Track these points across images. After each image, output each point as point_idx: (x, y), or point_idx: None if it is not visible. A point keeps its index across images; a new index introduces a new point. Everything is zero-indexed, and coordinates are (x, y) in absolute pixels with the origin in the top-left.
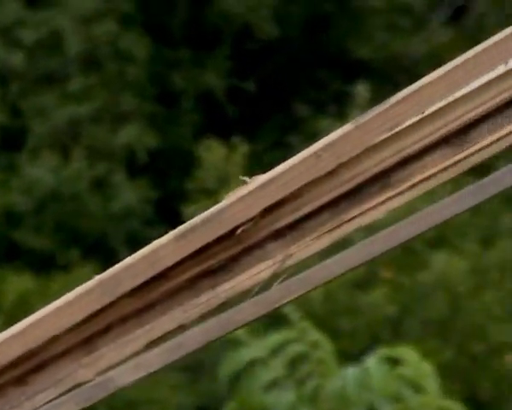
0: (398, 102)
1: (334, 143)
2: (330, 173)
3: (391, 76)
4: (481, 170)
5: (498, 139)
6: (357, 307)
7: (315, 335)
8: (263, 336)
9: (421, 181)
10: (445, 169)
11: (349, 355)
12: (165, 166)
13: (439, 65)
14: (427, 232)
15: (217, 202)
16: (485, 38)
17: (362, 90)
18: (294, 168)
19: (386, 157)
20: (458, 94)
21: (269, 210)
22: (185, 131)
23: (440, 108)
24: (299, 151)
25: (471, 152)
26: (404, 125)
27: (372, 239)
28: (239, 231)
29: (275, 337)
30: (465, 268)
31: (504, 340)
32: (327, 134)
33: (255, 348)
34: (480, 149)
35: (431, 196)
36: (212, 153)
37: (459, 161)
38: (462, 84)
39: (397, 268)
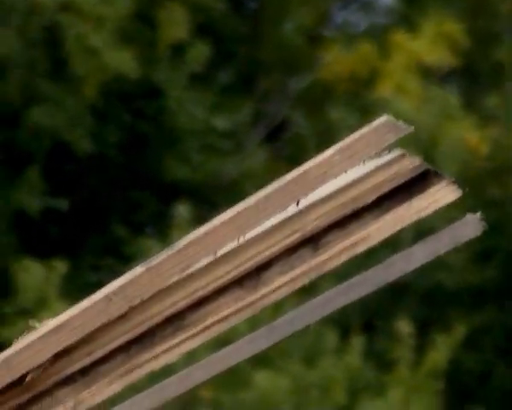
0: (189, 244)
1: (125, 286)
2: (122, 317)
3: (209, 196)
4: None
5: (290, 281)
6: None
7: None
8: None
9: (215, 323)
10: (239, 311)
11: None
12: None
13: (257, 185)
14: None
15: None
16: (301, 158)
17: (181, 210)
18: (86, 312)
19: (179, 299)
20: (250, 235)
21: (59, 355)
22: (0, 251)
23: (232, 250)
24: (118, 273)
25: (264, 293)
26: (196, 267)
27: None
28: (28, 378)
29: None
30: (288, 387)
31: None
32: (146, 255)
33: None
34: (272, 291)
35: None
36: (30, 274)
37: (253, 302)
38: (254, 225)
39: (217, 387)
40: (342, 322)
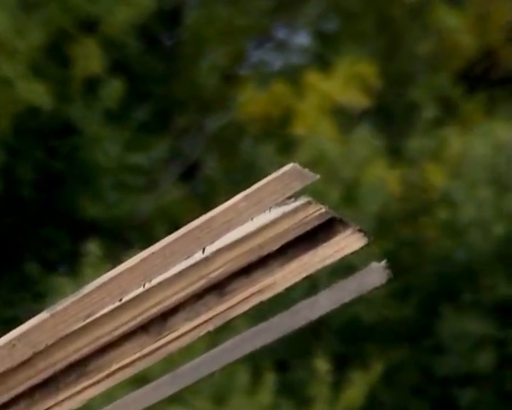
0: (94, 290)
1: (29, 331)
2: (25, 363)
3: (122, 234)
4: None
5: (196, 327)
6: None
7: None
8: None
9: (118, 369)
10: (144, 357)
11: None
12: None
13: (172, 222)
14: None
15: None
16: (214, 199)
17: (93, 248)
18: None
19: (83, 345)
20: (156, 281)
21: None
22: None
23: (138, 295)
24: (28, 311)
25: (169, 340)
26: (100, 313)
27: None
28: None
29: None
30: None
31: None
32: (58, 293)
33: None
34: (178, 337)
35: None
36: None
37: (158, 348)
38: (160, 271)
39: None
40: (255, 359)
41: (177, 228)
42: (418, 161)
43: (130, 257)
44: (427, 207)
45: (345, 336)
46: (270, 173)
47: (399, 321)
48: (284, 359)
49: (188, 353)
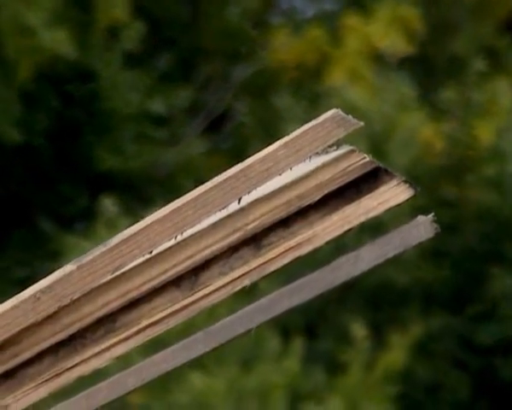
0: (123, 241)
1: (54, 284)
2: (50, 317)
3: (143, 189)
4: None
5: (230, 282)
6: None
7: None
8: None
9: (148, 326)
10: (174, 313)
11: None
12: None
13: (195, 178)
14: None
15: None
16: (244, 152)
17: (109, 204)
18: (11, 312)
19: (111, 300)
20: (188, 233)
21: None
22: None
23: (169, 248)
24: (47, 270)
25: (202, 295)
26: (129, 266)
27: (96, 388)
28: None
29: None
30: (223, 391)
31: None
32: (73, 252)
33: None
34: (211, 293)
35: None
36: None
37: (189, 304)
38: (192, 223)
39: (149, 391)
40: (283, 324)
41: (202, 183)
42: (461, 115)
43: (152, 212)
44: (471, 163)
45: (376, 301)
46: (299, 126)
47: (437, 284)
48: (313, 324)
49: (221, 310)
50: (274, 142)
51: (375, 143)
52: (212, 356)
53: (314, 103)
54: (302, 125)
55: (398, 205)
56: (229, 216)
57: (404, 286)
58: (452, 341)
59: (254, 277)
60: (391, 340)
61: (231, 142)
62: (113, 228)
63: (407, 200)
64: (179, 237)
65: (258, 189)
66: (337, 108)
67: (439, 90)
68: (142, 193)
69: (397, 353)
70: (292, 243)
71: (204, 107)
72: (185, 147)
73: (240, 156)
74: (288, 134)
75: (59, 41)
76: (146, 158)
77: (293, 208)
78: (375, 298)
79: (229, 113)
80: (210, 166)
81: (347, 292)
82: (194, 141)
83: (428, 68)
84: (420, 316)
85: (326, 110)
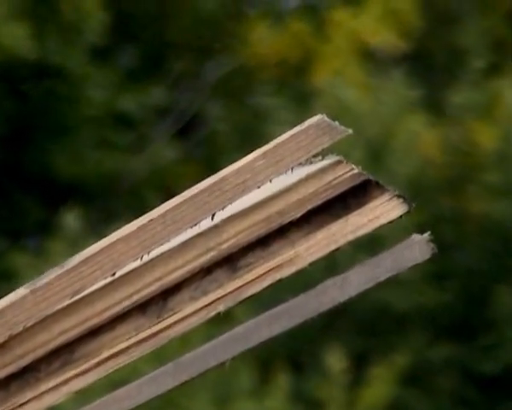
0: (82, 262)
1: (4, 310)
2: (1, 347)
3: (108, 200)
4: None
5: (202, 308)
6: None
7: None
8: None
9: (110, 357)
10: (140, 343)
11: None
12: None
13: (164, 190)
14: None
15: None
16: (219, 161)
17: (70, 219)
18: None
19: (69, 328)
20: (155, 253)
21: None
22: None
23: (134, 270)
24: None
25: (170, 323)
26: (90, 290)
27: None
28: None
29: None
30: None
31: None
32: (25, 273)
33: None
34: (180, 320)
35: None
36: None
37: (156, 333)
38: (160, 241)
39: None
40: (263, 356)
41: (172, 196)
42: (463, 119)
43: (116, 229)
44: (474, 173)
45: (368, 328)
46: (284, 131)
47: (439, 310)
48: (296, 355)
49: (192, 339)
50: (252, 150)
51: (372, 150)
52: (181, 393)
53: (301, 104)
54: (287, 129)
55: (391, 222)
56: (201, 234)
57: (403, 311)
58: (453, 372)
59: (229, 302)
60: (373, 373)
61: (204, 149)
62: (73, 246)
63: (400, 216)
64: (146, 258)
65: (234, 204)
66: (328, 108)
67: (440, 91)
68: (104, 206)
69: (379, 387)
70: (271, 264)
71: (174, 109)
72: (153, 154)
73: (214, 165)
74: (268, 141)
75: (18, 37)
76: (109, 166)
77: (272, 226)
78: (368, 324)
79: (202, 116)
80: (181, 176)
81: (336, 317)
82: (162, 148)
83: (428, 66)
84: (418, 345)
85: (315, 112)
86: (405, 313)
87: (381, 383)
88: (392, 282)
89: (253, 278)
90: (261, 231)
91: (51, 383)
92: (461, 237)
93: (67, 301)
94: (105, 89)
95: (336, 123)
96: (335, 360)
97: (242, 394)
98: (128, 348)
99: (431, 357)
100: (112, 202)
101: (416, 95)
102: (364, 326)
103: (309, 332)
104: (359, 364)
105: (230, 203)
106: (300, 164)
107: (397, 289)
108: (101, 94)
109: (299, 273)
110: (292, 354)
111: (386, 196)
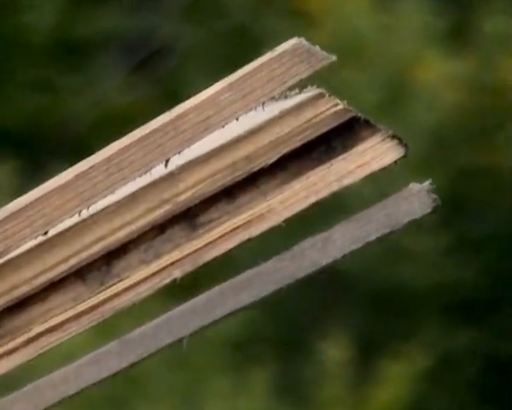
0: (7, 218)
1: None
2: None
3: (49, 148)
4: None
5: (154, 274)
6: None
7: None
8: None
9: (42, 334)
10: (78, 317)
11: None
12: None
13: (116, 133)
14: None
15: None
16: (180, 98)
17: (1, 173)
18: None
19: None
20: (97, 206)
21: None
22: None
23: (71, 228)
24: None
25: (115, 292)
26: (17, 252)
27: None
28: None
29: None
30: None
31: None
32: None
33: None
34: (128, 288)
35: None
36: None
37: (98, 304)
38: (103, 193)
39: None
40: (240, 341)
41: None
42: (495, 53)
43: (50, 178)
44: (507, 119)
45: (376, 309)
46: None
47: (459, 287)
48: (282, 342)
49: (141, 312)
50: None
51: (388, 91)
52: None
53: (294, 29)
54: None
55: (383, 169)
56: (153, 184)
57: (416, 290)
58: (477, 363)
59: (188, 266)
60: (386, 368)
61: (167, 86)
62: (4, 199)
63: (395, 162)
64: (85, 213)
65: (193, 147)
66: (332, 33)
67: (466, 20)
68: (47, 153)
69: (396, 386)
70: (238, 220)
71: (132, 37)
72: (104, 93)
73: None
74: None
75: None
76: (51, 109)
77: (239, 174)
78: (373, 306)
79: (167, 46)
80: (138, 119)
81: (340, 295)
82: (116, 85)
83: None
84: (437, 332)
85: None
86: (422, 293)
87: (396, 381)
88: (405, 256)
89: (215, 237)
90: (226, 180)
91: None
92: (490, 198)
93: None
94: (48, 13)
95: (317, 47)
96: (335, 349)
97: (212, 392)
98: (64, 322)
99: (452, 345)
100: (54, 153)
101: (437, 24)
102: (373, 308)
103: (301, 312)
104: (366, 354)
105: (189, 146)
106: (273, 98)
107: (411, 265)
108: (40, 18)
109: (272, 232)
110: (278, 339)
111: (377, 137)
